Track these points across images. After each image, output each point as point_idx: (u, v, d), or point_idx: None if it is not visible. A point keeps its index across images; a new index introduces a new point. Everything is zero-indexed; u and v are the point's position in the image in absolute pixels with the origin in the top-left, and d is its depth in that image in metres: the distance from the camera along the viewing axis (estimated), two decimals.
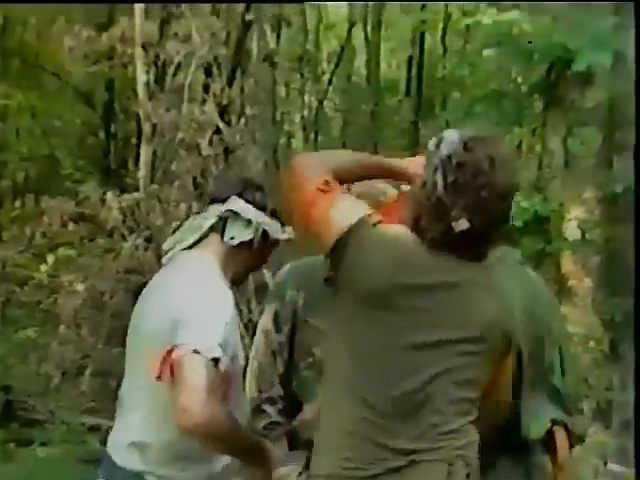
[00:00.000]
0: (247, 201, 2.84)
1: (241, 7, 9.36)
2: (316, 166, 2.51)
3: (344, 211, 2.43)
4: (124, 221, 9.10)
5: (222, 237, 2.84)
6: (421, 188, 2.47)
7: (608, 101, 7.87)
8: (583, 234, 7.71)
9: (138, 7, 9.65)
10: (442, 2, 13.94)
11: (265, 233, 2.85)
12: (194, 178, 9.15)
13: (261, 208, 2.84)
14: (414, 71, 15.79)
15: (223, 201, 2.85)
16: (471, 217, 2.37)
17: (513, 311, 2.63)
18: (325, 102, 16.51)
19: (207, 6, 9.83)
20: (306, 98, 16.44)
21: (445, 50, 16.16)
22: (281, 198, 2.69)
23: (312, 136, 15.92)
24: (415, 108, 15.44)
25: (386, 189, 2.95)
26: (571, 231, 7.54)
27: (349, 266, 2.41)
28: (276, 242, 2.95)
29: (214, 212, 2.84)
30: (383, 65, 17.63)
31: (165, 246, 3.00)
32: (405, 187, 2.81)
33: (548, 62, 7.40)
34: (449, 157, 2.41)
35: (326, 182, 2.43)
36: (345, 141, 16.22)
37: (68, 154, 14.45)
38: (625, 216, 9.02)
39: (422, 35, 14.99)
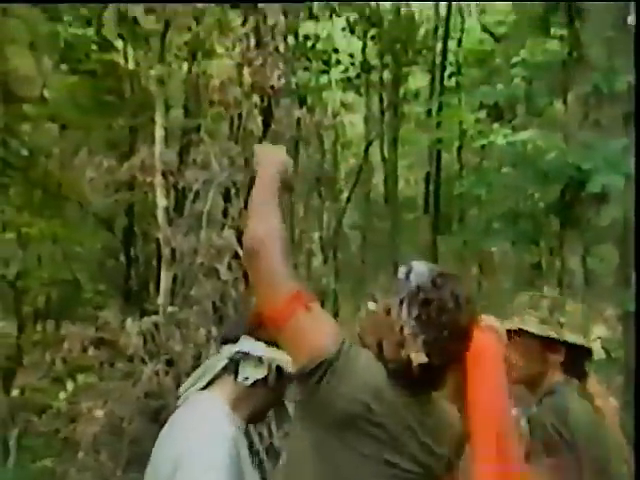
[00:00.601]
0: (258, 338, 2.83)
1: (259, 132, 9.50)
2: (282, 266, 2.48)
3: (322, 331, 2.45)
4: (144, 344, 9.11)
5: (236, 377, 2.83)
6: (386, 315, 2.51)
7: (623, 218, 7.93)
8: (608, 353, 7.67)
9: (158, 135, 9.85)
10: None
11: (280, 368, 2.82)
12: (213, 302, 9.16)
13: (273, 343, 2.77)
14: (431, 188, 15.90)
15: (234, 341, 2.85)
16: (429, 352, 2.43)
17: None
18: (344, 220, 16.59)
19: (226, 131, 9.97)
20: (325, 216, 16.54)
21: (462, 167, 16.32)
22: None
23: (331, 254, 15.95)
24: (433, 225, 15.52)
25: None
26: (595, 350, 7.50)
27: (328, 390, 2.40)
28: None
29: (226, 354, 2.85)
30: (401, 182, 17.80)
31: (181, 389, 2.99)
32: (371, 306, 2.87)
33: (563, 182, 7.49)
34: (417, 290, 2.49)
35: (299, 294, 2.43)
36: (364, 258, 16.30)
37: (89, 278, 14.55)
38: None
39: (438, 152, 15.15)
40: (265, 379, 2.82)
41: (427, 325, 2.46)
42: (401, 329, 2.46)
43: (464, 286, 2.59)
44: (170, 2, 10.07)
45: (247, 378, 2.83)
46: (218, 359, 2.92)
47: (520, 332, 3.54)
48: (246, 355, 2.83)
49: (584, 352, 3.56)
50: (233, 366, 2.86)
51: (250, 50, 7.76)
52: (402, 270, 2.52)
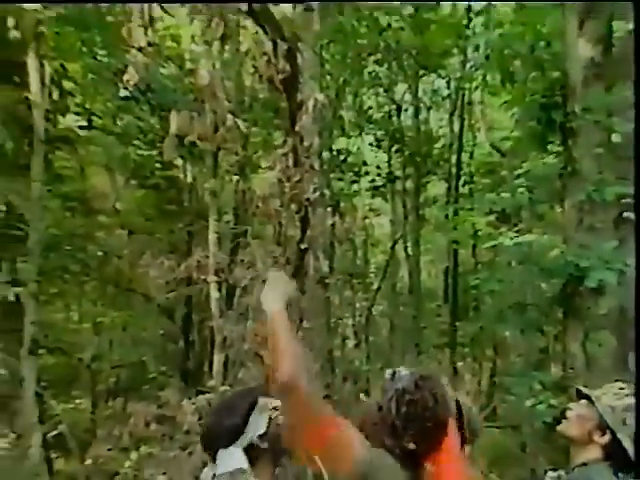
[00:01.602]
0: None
1: (297, 236, 9.52)
2: (315, 396, 2.67)
3: (355, 446, 2.61)
4: (199, 420, 9.06)
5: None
6: (378, 411, 2.74)
7: (618, 308, 7.93)
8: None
9: (211, 238, 9.91)
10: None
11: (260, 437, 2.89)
12: (259, 384, 9.10)
13: (242, 430, 2.90)
14: (450, 280, 15.83)
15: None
16: (417, 440, 2.66)
17: None
18: (373, 308, 16.54)
19: (269, 235, 10.01)
20: (357, 305, 16.50)
21: (476, 263, 16.28)
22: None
23: (363, 338, 15.86)
24: (452, 312, 15.42)
25: None
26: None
27: None
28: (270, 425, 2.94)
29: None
30: (423, 275, 17.76)
31: None
32: (364, 398, 3.04)
33: (564, 278, 7.47)
34: (403, 391, 2.71)
35: (333, 418, 2.62)
36: (392, 342, 16.20)
37: (153, 361, 14.51)
38: None
39: (455, 251, 15.13)
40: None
41: (414, 420, 2.67)
42: (392, 424, 2.68)
43: (442, 385, 2.80)
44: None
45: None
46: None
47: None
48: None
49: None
50: None
51: (289, 168, 7.82)
52: (389, 373, 2.74)
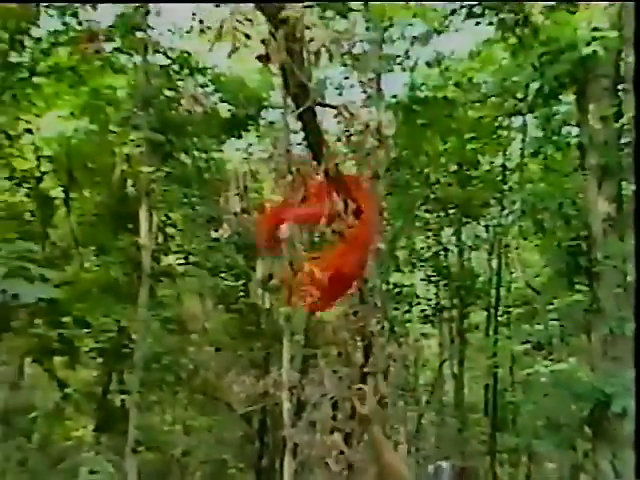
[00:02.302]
0: None
1: (360, 361, 9.44)
2: None
3: None
4: None
5: None
6: None
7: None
8: None
9: (285, 358, 9.87)
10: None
11: None
12: None
13: None
14: (490, 396, 15.49)
15: None
16: None
17: None
18: (423, 418, 16.25)
19: (335, 357, 9.93)
20: (408, 415, 16.21)
21: (513, 382, 15.94)
22: None
23: (413, 445, 15.51)
24: (492, 424, 15.02)
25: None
26: None
27: None
28: None
29: None
30: (466, 390, 17.42)
31: None
32: None
33: (592, 402, 7.28)
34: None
35: None
36: (440, 448, 15.81)
37: (232, 458, 14.34)
38: None
39: (495, 372, 14.86)
40: None
41: None
42: None
43: (479, 475, 2.79)
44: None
45: None
46: None
47: None
48: None
49: None
50: None
51: (356, 305, 7.81)
52: (431, 468, 2.79)
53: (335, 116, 5.33)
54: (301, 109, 4.17)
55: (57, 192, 13.61)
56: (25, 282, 4.72)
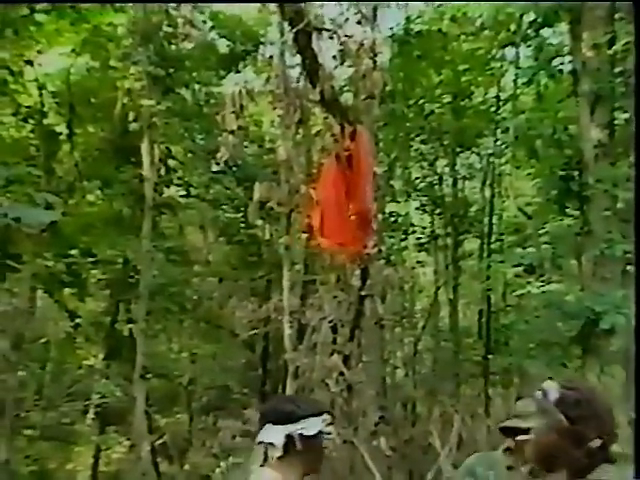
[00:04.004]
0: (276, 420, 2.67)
1: (358, 284, 9.48)
2: None
3: None
4: None
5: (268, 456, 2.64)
6: (547, 433, 2.27)
7: (626, 346, 7.81)
8: (620, 450, 7.29)
9: (285, 285, 9.92)
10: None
11: (303, 435, 2.62)
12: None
13: (295, 419, 2.64)
14: (483, 320, 15.65)
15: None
16: (599, 434, 2.20)
17: None
18: (419, 343, 16.40)
19: (334, 282, 9.99)
20: (405, 340, 16.37)
21: (506, 306, 16.08)
22: None
23: (410, 368, 15.71)
24: (485, 347, 15.21)
25: None
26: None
27: None
28: (318, 437, 2.67)
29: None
30: (460, 316, 17.59)
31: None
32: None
33: (582, 320, 7.34)
34: (562, 399, 2.27)
35: None
36: (435, 372, 16.02)
37: (237, 385, 14.52)
38: None
39: (488, 296, 14.97)
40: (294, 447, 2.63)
41: (588, 417, 2.23)
42: (573, 432, 2.22)
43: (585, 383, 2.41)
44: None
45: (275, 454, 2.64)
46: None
47: None
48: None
49: None
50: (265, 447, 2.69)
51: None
52: (539, 394, 2.34)
53: (330, 37, 5.29)
54: (297, 28, 4.15)
55: (61, 128, 13.51)
56: (29, 206, 4.71)
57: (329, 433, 2.74)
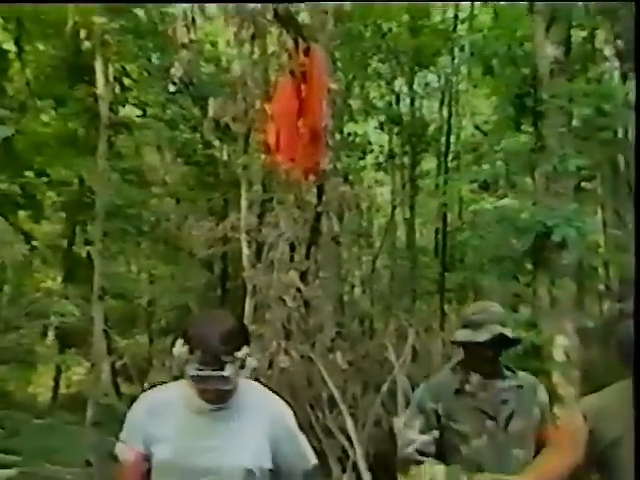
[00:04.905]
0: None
1: (315, 200, 9.47)
2: None
3: None
4: None
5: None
6: None
7: (578, 259, 7.96)
8: (567, 356, 7.49)
9: (243, 205, 9.87)
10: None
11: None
12: (282, 323, 9.12)
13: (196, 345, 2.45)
14: (439, 238, 15.82)
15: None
16: None
17: None
18: (377, 262, 16.52)
19: (291, 200, 9.97)
20: (363, 259, 16.49)
21: (461, 223, 16.26)
22: None
23: (368, 286, 15.86)
24: (441, 264, 15.40)
25: None
26: (558, 354, 7.38)
27: None
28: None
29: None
30: (417, 234, 17.74)
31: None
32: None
33: (534, 234, 7.39)
34: None
35: None
36: (392, 289, 16.19)
37: (196, 305, 14.56)
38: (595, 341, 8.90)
39: (444, 214, 15.09)
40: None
41: None
42: None
43: None
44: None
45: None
46: None
47: None
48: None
49: None
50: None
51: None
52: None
53: None
54: None
55: (9, 46, 13.04)
56: None
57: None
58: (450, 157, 15.66)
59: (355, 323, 11.69)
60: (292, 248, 9.53)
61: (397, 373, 8.04)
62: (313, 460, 2.83)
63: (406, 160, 16.65)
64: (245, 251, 10.00)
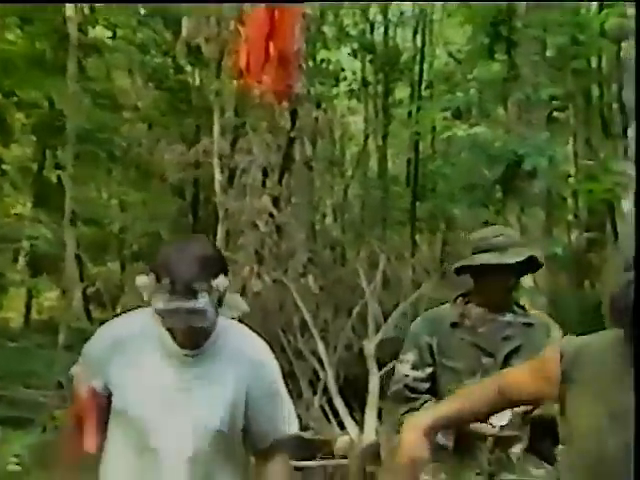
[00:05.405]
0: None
1: (288, 126, 9.41)
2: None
3: None
4: None
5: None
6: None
7: (547, 188, 8.04)
8: (535, 282, 7.65)
9: (215, 130, 9.77)
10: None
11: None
12: (255, 248, 9.16)
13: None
14: (412, 168, 15.84)
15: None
16: None
17: None
18: (348, 191, 16.53)
19: (264, 126, 9.89)
20: (335, 188, 16.48)
21: (434, 152, 16.30)
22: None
23: (339, 214, 15.89)
24: (413, 194, 15.46)
25: None
26: (526, 281, 7.53)
27: None
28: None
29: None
30: (390, 164, 17.73)
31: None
32: None
33: (505, 163, 7.43)
34: None
35: None
36: (363, 218, 16.24)
37: (168, 231, 14.51)
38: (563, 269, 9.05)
39: (417, 142, 15.08)
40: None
41: None
42: None
43: None
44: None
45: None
46: None
47: None
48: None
49: None
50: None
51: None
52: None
53: None
54: None
55: None
56: None
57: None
58: (423, 86, 15.58)
59: (327, 250, 11.77)
60: (265, 174, 9.51)
61: (368, 298, 8.15)
62: (293, 428, 2.42)
63: (379, 88, 16.52)
64: (217, 177, 9.94)
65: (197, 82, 14.39)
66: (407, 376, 3.00)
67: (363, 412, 6.74)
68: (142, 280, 2.15)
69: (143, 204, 15.26)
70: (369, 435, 6.30)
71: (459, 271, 3.05)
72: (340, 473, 6.27)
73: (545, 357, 2.09)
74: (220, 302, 2.19)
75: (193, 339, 2.22)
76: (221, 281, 2.16)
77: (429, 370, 2.98)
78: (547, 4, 8.32)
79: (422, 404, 2.91)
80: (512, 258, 2.83)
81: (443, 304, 3.16)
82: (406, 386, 2.98)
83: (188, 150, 9.99)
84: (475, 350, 2.90)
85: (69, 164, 11.72)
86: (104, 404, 2.29)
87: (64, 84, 11.40)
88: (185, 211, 15.63)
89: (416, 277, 9.78)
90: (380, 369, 7.17)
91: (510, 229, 3.18)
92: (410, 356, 3.02)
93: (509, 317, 2.97)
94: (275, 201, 9.27)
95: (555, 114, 10.37)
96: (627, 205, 7.56)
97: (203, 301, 2.08)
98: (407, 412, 2.93)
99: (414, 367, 2.99)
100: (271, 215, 9.09)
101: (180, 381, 2.23)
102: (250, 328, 2.44)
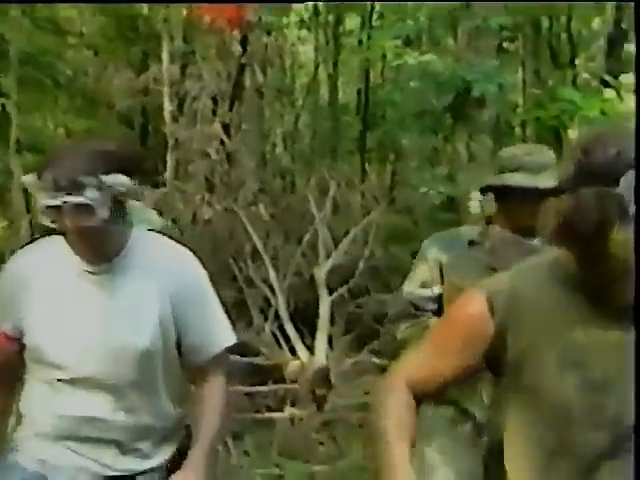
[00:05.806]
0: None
1: (238, 53, 9.30)
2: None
3: None
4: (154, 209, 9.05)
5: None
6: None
7: (496, 116, 8.12)
8: (482, 209, 7.79)
9: (165, 57, 9.60)
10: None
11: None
12: (205, 177, 9.13)
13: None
14: (362, 97, 15.80)
15: None
16: None
17: None
18: (299, 120, 16.43)
19: (214, 52, 9.76)
20: (285, 117, 16.36)
21: (383, 80, 16.27)
22: None
23: (290, 144, 15.82)
24: (363, 122, 15.47)
25: None
26: (473, 207, 7.63)
27: None
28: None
29: None
30: (340, 93, 17.63)
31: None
32: None
33: (454, 90, 7.48)
34: None
35: None
36: (313, 147, 16.20)
37: None
38: None
39: (367, 71, 15.03)
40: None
41: None
42: None
43: None
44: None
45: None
46: None
47: None
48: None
49: None
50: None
51: None
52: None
53: None
54: None
55: None
56: None
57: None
58: (375, 17, 15.42)
59: (277, 178, 11.76)
60: (215, 101, 9.41)
61: (318, 225, 8.19)
62: (228, 340, 2.25)
63: (330, 18, 16.30)
64: (167, 105, 9.81)
65: (145, 11, 14.03)
66: (412, 292, 2.86)
67: (314, 337, 6.85)
68: (29, 178, 2.02)
69: (90, 133, 14.99)
70: (320, 359, 6.43)
71: (484, 190, 2.90)
72: (291, 396, 6.39)
73: (464, 314, 1.68)
74: (122, 207, 2.05)
75: (100, 253, 2.06)
76: (115, 179, 1.96)
77: (437, 290, 2.82)
78: None
79: (424, 322, 2.74)
80: (546, 181, 2.45)
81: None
82: (412, 303, 2.83)
83: (137, 77, 9.82)
84: (490, 273, 2.32)
85: (13, 92, 11.42)
86: (15, 350, 2.17)
87: (5, 9, 11.04)
88: (134, 141, 15.39)
89: (365, 204, 9.84)
90: (330, 295, 7.28)
91: (545, 147, 2.81)
92: (418, 272, 2.88)
93: (534, 241, 2.63)
94: (226, 128, 9.21)
95: (505, 45, 10.42)
96: (573, 134, 7.69)
97: (90, 195, 1.92)
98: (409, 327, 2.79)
99: (423, 285, 2.84)
100: (222, 143, 9.03)
101: (93, 303, 2.08)
102: (201, 256, 2.31)
